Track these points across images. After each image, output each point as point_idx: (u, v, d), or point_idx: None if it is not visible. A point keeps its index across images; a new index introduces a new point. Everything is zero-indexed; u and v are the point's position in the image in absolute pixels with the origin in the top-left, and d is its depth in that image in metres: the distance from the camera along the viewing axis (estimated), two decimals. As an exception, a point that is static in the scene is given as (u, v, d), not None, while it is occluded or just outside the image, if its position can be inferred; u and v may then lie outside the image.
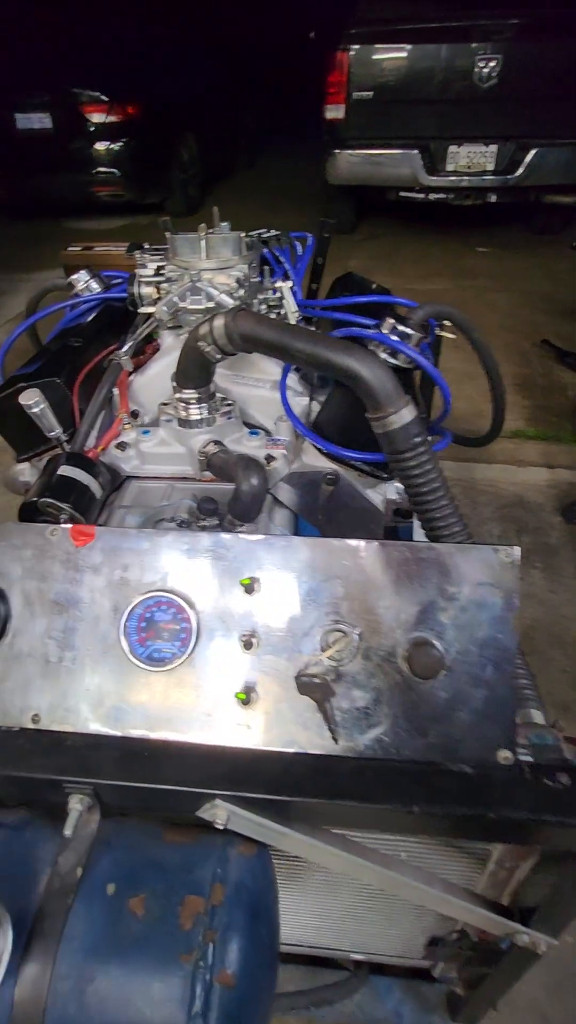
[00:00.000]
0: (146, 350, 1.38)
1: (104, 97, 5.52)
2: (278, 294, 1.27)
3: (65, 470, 1.02)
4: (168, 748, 0.73)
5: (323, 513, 1.21)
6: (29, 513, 0.99)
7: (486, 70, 4.39)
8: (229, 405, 1.19)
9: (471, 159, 4.74)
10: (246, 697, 0.72)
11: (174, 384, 1.15)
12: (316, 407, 1.28)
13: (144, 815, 0.72)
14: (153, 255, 1.30)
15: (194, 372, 1.10)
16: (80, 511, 0.99)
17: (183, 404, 1.15)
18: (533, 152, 4.62)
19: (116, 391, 1.27)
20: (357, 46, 4.48)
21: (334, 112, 4.74)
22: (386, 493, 1.20)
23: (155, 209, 6.16)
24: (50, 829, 0.67)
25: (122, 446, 1.19)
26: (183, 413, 1.16)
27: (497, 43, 4.31)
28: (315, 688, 0.71)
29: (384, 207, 5.50)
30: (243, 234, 1.21)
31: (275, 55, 8.90)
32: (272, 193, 6.87)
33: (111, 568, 0.76)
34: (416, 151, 4.74)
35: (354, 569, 0.74)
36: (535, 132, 4.59)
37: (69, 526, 0.75)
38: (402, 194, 5.07)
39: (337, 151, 4.88)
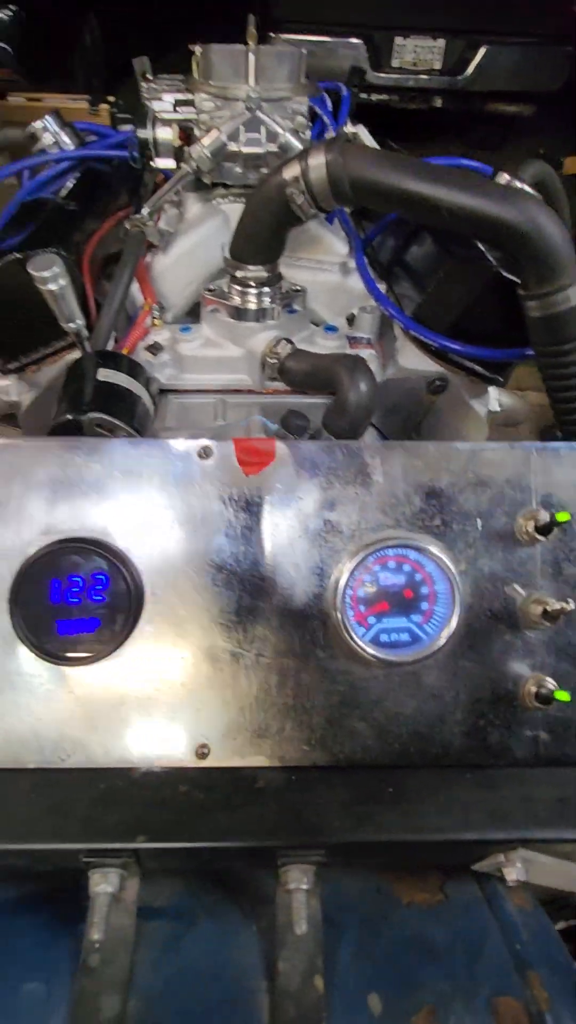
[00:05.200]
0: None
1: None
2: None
3: (107, 375, 0.71)
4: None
5: (417, 432, 0.98)
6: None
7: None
8: (297, 291, 0.90)
9: (418, 54, 4.39)
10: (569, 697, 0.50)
11: (227, 257, 0.85)
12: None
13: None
14: (168, 84, 0.95)
15: (266, 238, 0.81)
16: (140, 433, 0.70)
17: (240, 288, 0.85)
18: (483, 50, 4.34)
19: (130, 276, 0.94)
20: None
21: (268, -15, 4.14)
22: (489, 404, 0.98)
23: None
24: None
25: (154, 348, 0.88)
26: (238, 301, 0.86)
27: None
28: None
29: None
30: (304, 50, 0.89)
31: None
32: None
33: (310, 506, 0.52)
34: (360, 41, 4.29)
35: None
36: (485, 25, 4.28)
37: (231, 441, 0.47)
38: (343, 93, 4.63)
39: (272, 35, 4.30)
